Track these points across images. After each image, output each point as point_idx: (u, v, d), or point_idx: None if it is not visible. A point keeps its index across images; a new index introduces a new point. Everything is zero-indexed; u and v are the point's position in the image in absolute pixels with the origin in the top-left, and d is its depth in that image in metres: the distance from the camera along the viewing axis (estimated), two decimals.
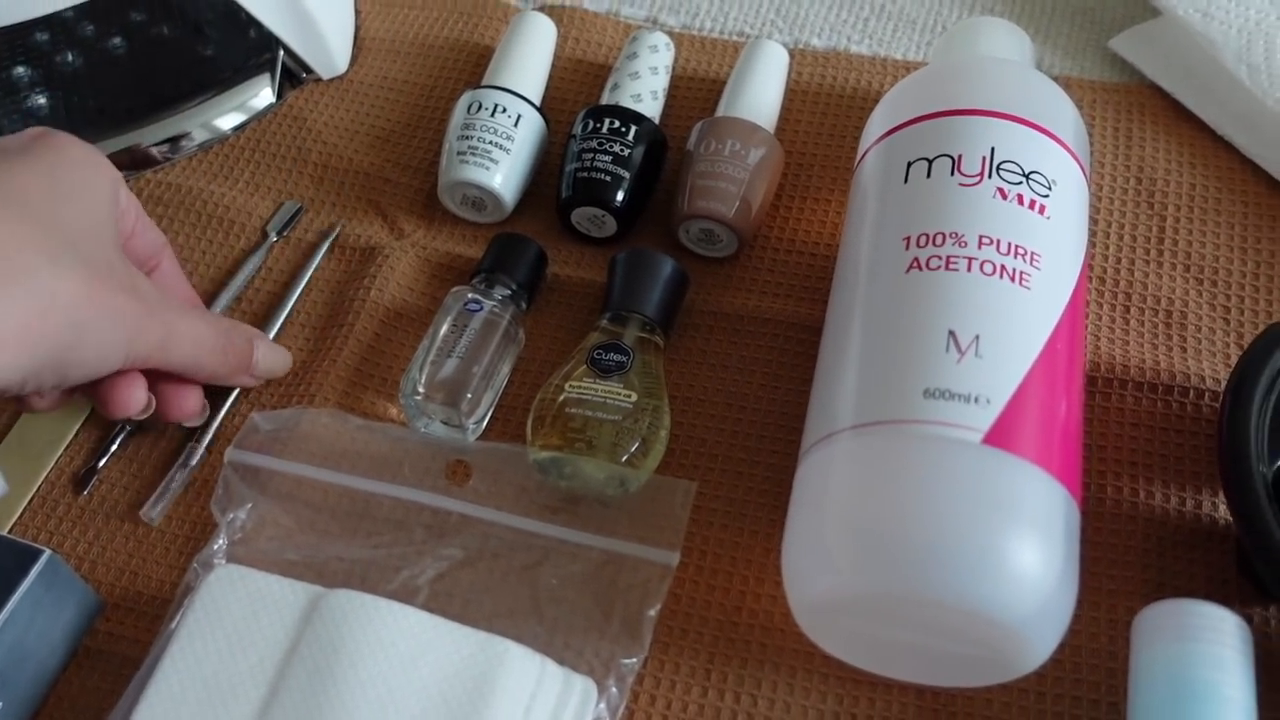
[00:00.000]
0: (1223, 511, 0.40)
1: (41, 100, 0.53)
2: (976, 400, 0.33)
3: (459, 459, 0.41)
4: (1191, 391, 0.43)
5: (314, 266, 0.48)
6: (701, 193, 0.46)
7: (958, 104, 0.40)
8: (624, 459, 0.40)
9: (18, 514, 0.42)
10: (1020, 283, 0.35)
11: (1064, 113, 0.41)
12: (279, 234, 0.49)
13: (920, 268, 0.36)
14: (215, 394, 0.43)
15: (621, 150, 0.47)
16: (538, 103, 0.50)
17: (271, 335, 0.46)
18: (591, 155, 0.47)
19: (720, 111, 0.49)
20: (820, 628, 0.35)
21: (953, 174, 0.38)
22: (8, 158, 0.36)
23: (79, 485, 0.42)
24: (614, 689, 0.36)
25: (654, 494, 0.40)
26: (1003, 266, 0.36)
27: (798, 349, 0.45)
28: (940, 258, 0.36)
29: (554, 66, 0.54)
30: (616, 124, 0.47)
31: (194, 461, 0.42)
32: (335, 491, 0.40)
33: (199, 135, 0.53)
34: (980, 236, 0.36)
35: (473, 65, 0.55)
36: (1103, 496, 0.40)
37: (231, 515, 0.39)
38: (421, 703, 0.33)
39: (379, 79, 0.55)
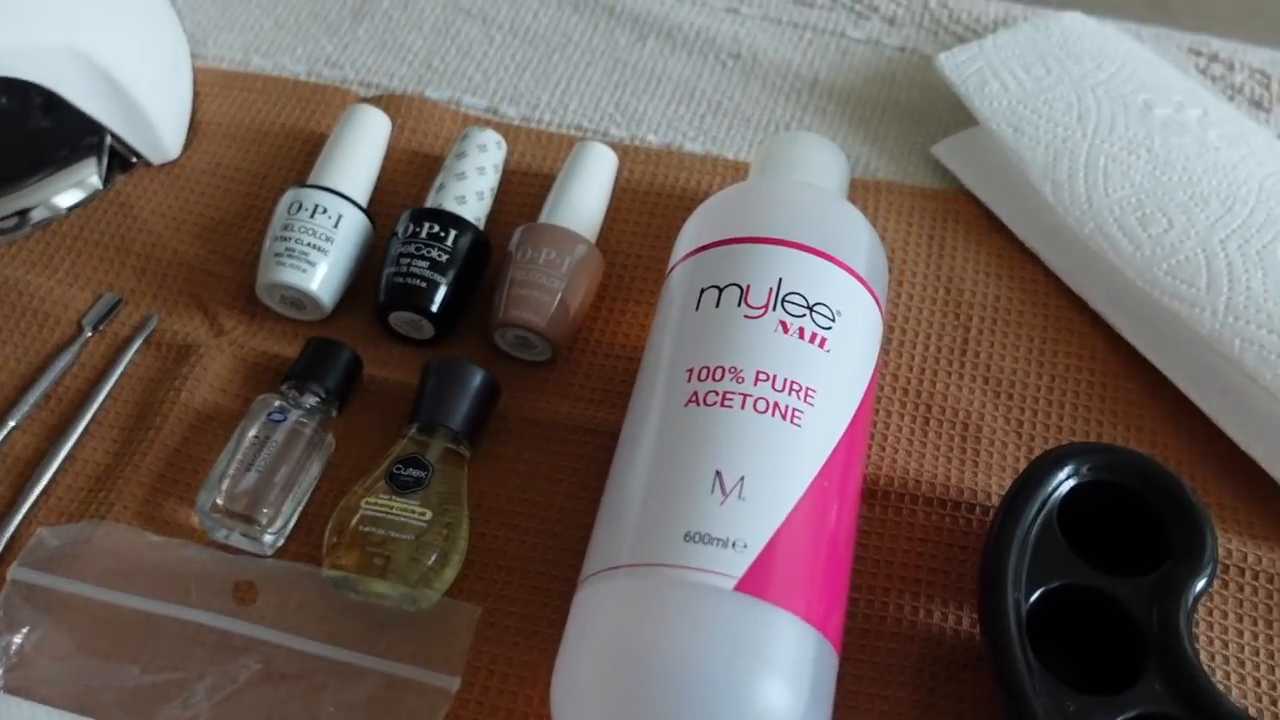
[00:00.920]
0: None
1: None
2: (734, 545, 0.34)
3: (247, 578, 0.41)
4: (978, 508, 0.44)
5: (125, 364, 0.47)
6: (515, 301, 0.46)
7: (752, 231, 0.41)
8: (417, 578, 0.40)
9: None
10: (792, 420, 0.37)
11: (859, 239, 0.43)
12: (95, 328, 0.49)
13: (698, 403, 0.37)
14: (2, 507, 0.43)
15: (439, 255, 0.47)
16: (364, 200, 0.51)
17: (75, 437, 0.45)
18: (409, 260, 0.47)
19: (542, 217, 0.49)
20: None
21: (739, 305, 0.39)
22: None
23: None
24: None
25: (440, 617, 0.40)
26: (776, 404, 0.37)
27: (606, 458, 0.45)
28: (717, 393, 0.37)
29: (390, 158, 0.54)
30: (435, 228, 0.48)
31: None
32: (121, 612, 0.40)
33: (38, 214, 0.52)
34: (758, 372, 0.37)
35: (308, 154, 0.54)
36: (884, 615, 0.42)
37: (7, 640, 0.39)
38: None
39: (212, 165, 0.54)
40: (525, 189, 0.53)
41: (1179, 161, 0.50)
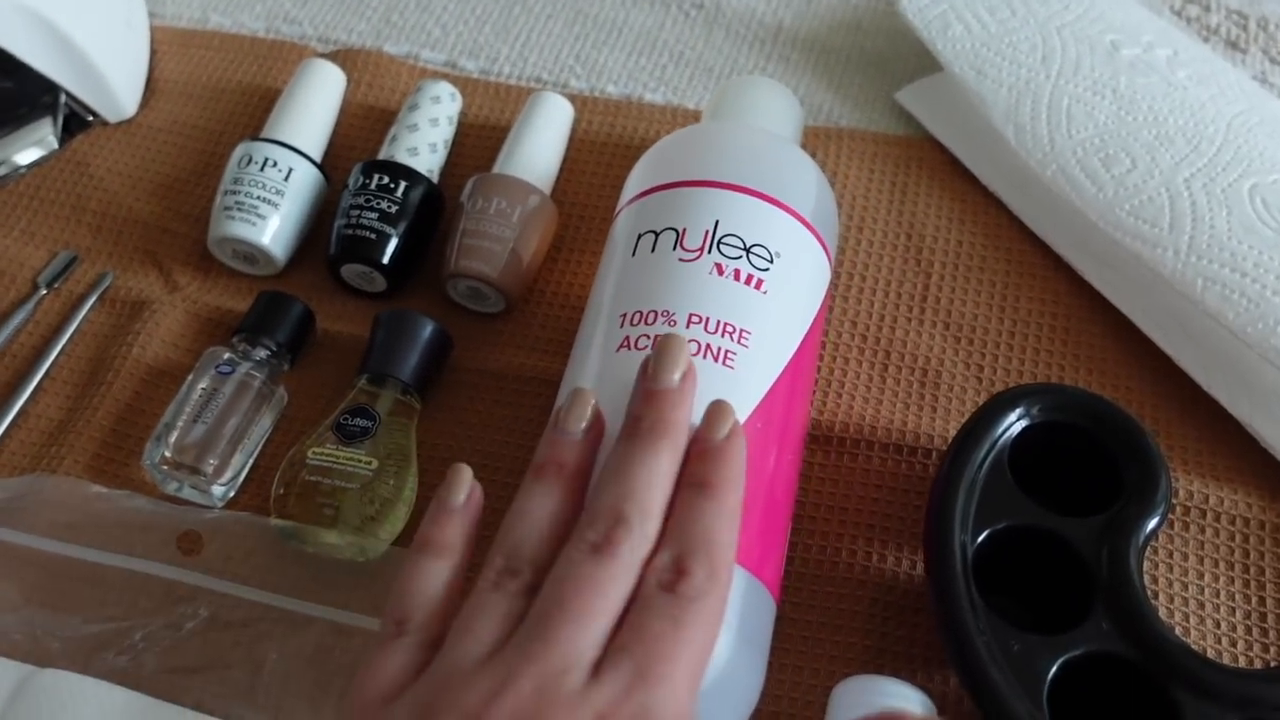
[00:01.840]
0: None
1: None
2: None
3: (192, 529, 0.40)
4: (934, 453, 0.44)
5: (79, 321, 0.47)
6: (466, 251, 0.46)
7: (690, 175, 0.41)
8: (361, 525, 0.40)
9: None
10: (724, 362, 0.36)
11: (803, 181, 0.42)
12: (49, 286, 0.49)
13: (630, 347, 0.37)
14: None
15: (389, 207, 0.47)
16: (317, 154, 0.50)
17: (27, 393, 0.45)
18: (359, 212, 0.46)
19: (496, 168, 0.49)
20: None
21: (675, 248, 0.39)
22: None
23: None
24: None
25: (384, 565, 0.40)
26: (709, 346, 0.36)
27: None
28: (649, 337, 0.36)
29: (347, 113, 0.54)
30: (385, 180, 0.47)
31: None
32: (67, 563, 0.40)
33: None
34: (690, 315, 0.37)
35: (264, 110, 0.54)
36: (837, 560, 0.41)
37: None
38: None
39: (168, 123, 0.54)
40: (483, 142, 0.53)
41: (1145, 101, 0.49)
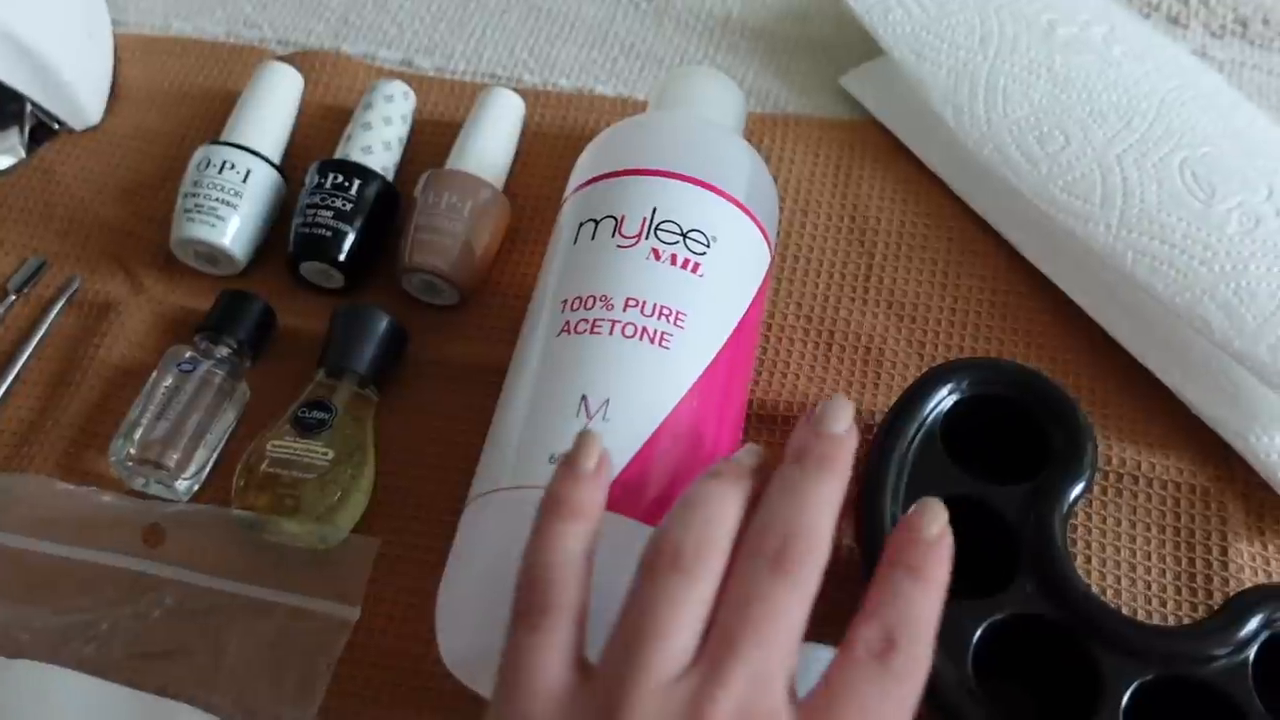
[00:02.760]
0: None
1: None
2: None
3: (157, 522, 0.42)
4: (875, 429, 0.45)
5: (48, 325, 0.49)
6: (419, 246, 0.47)
7: (630, 164, 0.42)
8: (320, 513, 0.41)
9: None
10: (660, 344, 0.37)
11: (740, 166, 0.43)
12: (19, 291, 0.50)
13: (570, 331, 0.38)
14: None
15: (344, 205, 0.48)
16: (276, 155, 0.52)
17: None
18: (315, 211, 0.48)
19: (448, 164, 0.50)
20: (470, 677, 0.37)
21: (614, 235, 0.40)
22: None
23: None
24: None
25: (342, 551, 0.41)
26: (645, 329, 0.37)
27: None
28: (588, 321, 0.38)
29: (305, 114, 0.55)
30: (340, 178, 0.48)
31: None
32: (35, 558, 0.41)
33: None
34: (627, 299, 0.38)
35: (225, 114, 0.55)
36: None
37: None
38: None
39: (133, 129, 0.55)
40: (439, 139, 0.54)
41: (1079, 79, 0.50)
